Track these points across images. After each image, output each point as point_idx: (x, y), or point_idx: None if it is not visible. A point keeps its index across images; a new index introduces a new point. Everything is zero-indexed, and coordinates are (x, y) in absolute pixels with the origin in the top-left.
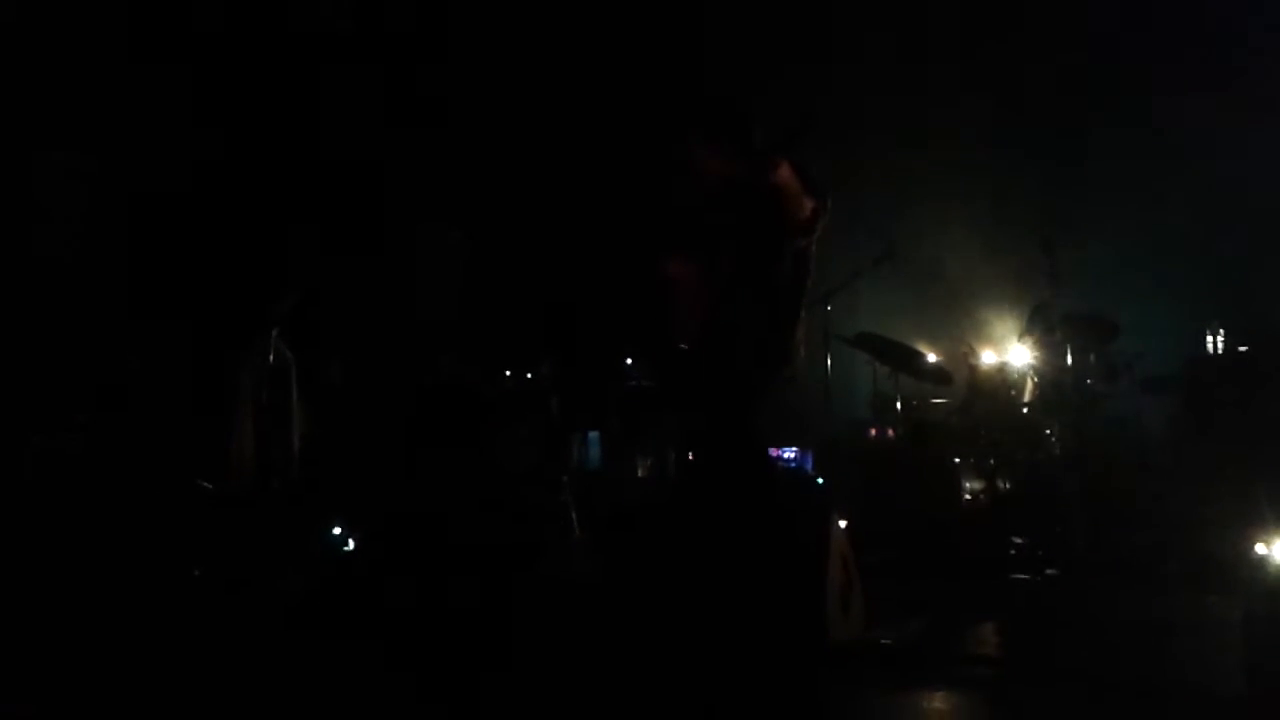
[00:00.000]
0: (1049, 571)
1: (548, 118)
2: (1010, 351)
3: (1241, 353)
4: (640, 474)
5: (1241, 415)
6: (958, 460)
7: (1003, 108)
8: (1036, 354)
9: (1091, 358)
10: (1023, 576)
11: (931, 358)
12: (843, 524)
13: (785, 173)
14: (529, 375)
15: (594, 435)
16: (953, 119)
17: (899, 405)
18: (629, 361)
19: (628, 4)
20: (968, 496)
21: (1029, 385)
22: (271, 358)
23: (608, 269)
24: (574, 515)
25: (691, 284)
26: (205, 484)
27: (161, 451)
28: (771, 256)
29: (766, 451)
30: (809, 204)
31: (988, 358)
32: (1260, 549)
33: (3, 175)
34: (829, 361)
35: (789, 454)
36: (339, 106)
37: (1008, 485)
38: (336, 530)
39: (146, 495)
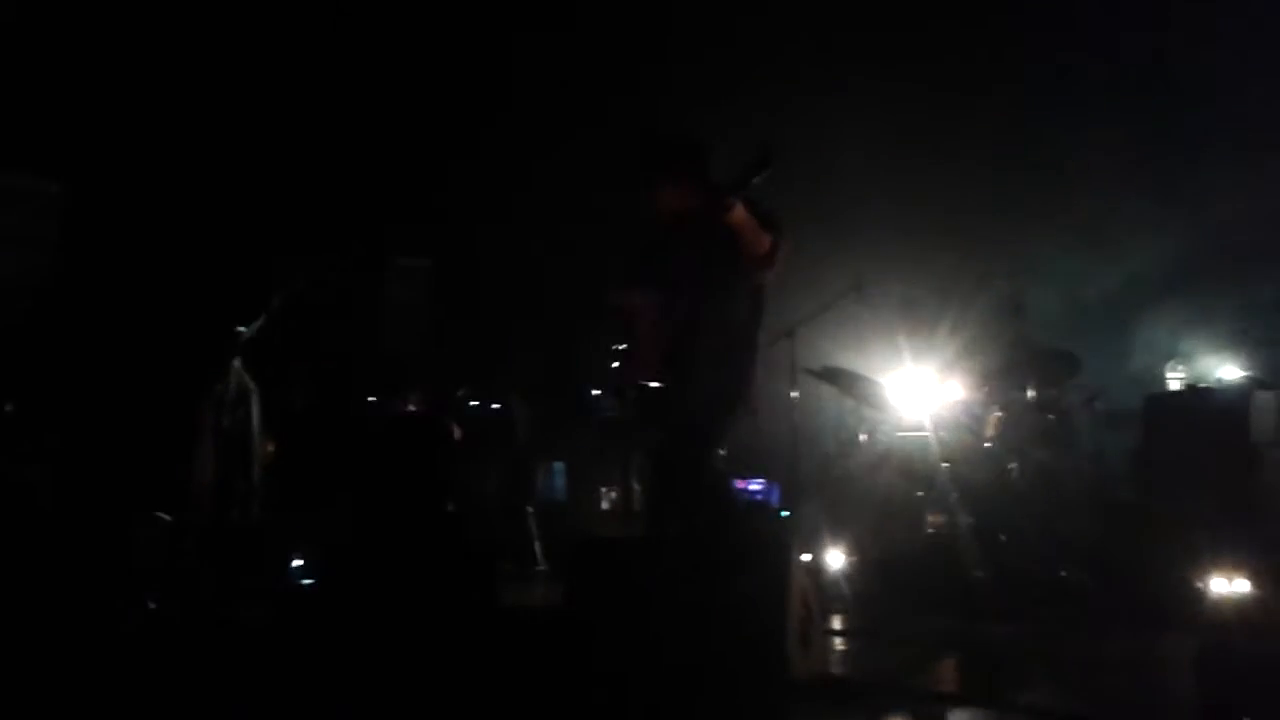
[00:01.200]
0: (1008, 606)
1: (513, 153)
2: (975, 385)
3: (1199, 389)
4: (605, 506)
5: (1195, 452)
6: (920, 494)
7: (972, 141)
8: (999, 388)
9: (1054, 392)
10: (983, 611)
11: (897, 390)
12: (806, 557)
13: (740, 210)
14: (495, 405)
15: (559, 466)
16: (921, 152)
17: (863, 438)
18: (595, 393)
19: (591, 39)
20: (930, 530)
21: (992, 419)
22: (233, 386)
23: (570, 301)
24: (537, 546)
25: (651, 320)
26: (162, 515)
27: (120, 480)
28: (728, 293)
29: (727, 485)
30: (765, 240)
31: (953, 391)
32: (1214, 585)
33: None
34: (795, 394)
35: (756, 486)
36: (309, 140)
37: (970, 519)
38: (297, 562)
39: (104, 525)
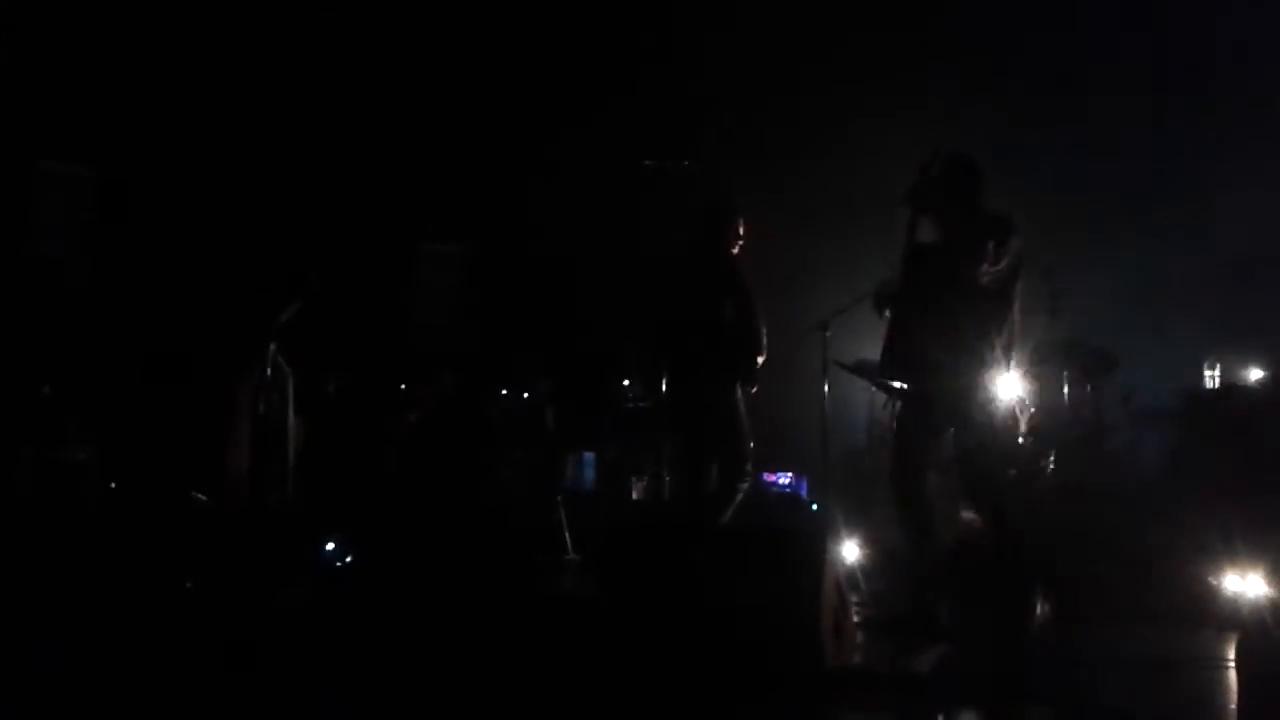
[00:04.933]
0: (1038, 601)
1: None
2: (1008, 381)
3: (1236, 388)
4: (635, 496)
5: (1234, 449)
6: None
7: (1006, 134)
8: (1034, 384)
9: (1089, 388)
10: (1013, 605)
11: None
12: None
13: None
14: (525, 394)
15: (589, 456)
16: (955, 144)
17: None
18: (625, 383)
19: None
20: (961, 524)
21: (1026, 415)
22: (269, 371)
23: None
24: (567, 535)
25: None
26: (199, 496)
27: (157, 463)
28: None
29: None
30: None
31: (988, 386)
32: (1251, 585)
33: (3, 184)
34: (826, 387)
35: (784, 479)
36: (340, 122)
37: (1002, 514)
38: (330, 545)
39: (141, 507)
